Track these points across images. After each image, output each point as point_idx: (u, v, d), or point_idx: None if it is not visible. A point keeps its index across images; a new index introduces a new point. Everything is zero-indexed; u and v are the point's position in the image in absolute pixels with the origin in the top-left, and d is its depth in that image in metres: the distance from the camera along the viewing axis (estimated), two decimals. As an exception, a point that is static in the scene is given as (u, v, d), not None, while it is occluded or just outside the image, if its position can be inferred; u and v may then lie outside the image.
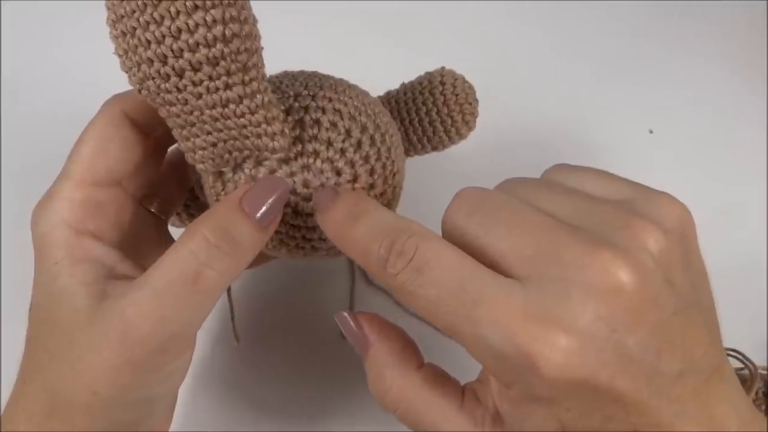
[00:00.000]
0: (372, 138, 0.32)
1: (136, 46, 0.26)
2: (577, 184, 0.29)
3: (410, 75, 0.40)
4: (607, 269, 0.23)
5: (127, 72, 0.27)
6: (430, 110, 0.38)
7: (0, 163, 0.54)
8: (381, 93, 0.40)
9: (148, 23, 0.25)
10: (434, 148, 0.40)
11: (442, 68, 0.39)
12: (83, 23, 0.53)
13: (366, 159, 0.32)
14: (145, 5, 0.25)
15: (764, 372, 0.45)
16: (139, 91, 0.27)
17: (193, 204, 0.40)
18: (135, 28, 0.25)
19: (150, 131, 0.33)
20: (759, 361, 0.43)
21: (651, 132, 0.59)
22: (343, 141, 0.31)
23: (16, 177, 0.53)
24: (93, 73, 0.48)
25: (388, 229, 0.27)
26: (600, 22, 0.64)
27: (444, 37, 0.62)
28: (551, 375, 0.23)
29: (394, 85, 0.40)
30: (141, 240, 0.33)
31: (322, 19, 0.61)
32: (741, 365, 0.42)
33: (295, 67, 0.35)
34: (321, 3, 0.62)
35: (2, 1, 0.59)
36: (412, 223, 0.27)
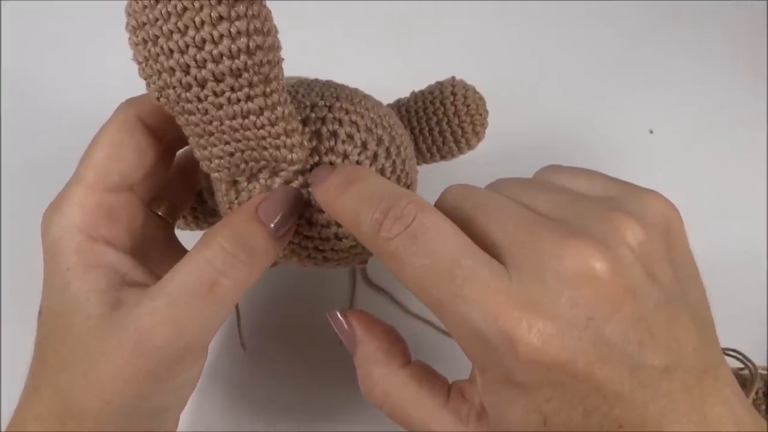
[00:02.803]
0: (387, 151, 0.32)
1: (158, 55, 0.26)
2: (564, 182, 0.29)
3: (420, 80, 0.40)
4: (581, 257, 0.24)
5: (146, 79, 0.27)
6: (440, 120, 0.38)
7: (0, 163, 0.53)
8: (391, 100, 0.40)
9: (171, 32, 0.25)
10: (443, 158, 0.40)
11: (453, 78, 0.39)
12: (83, 23, 0.53)
13: (381, 172, 0.32)
14: (170, 14, 0.25)
15: (764, 372, 0.45)
16: (158, 99, 0.27)
17: (200, 207, 0.39)
18: (157, 37, 0.25)
19: (162, 135, 0.32)
20: (759, 361, 0.43)
21: (651, 132, 0.59)
22: (359, 154, 0.31)
23: (16, 177, 0.53)
24: (94, 73, 0.48)
25: (386, 194, 0.27)
26: (600, 23, 0.64)
27: (446, 41, 0.62)
28: (528, 357, 0.23)
29: (404, 92, 0.40)
30: (149, 244, 0.33)
31: (332, 26, 0.61)
32: (741, 365, 0.42)
33: (305, 73, 0.35)
34: (330, 8, 0.61)
35: (2, 1, 0.58)
36: (411, 192, 0.27)
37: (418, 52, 0.60)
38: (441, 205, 0.29)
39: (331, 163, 0.30)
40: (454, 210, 0.28)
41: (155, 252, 0.34)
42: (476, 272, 0.24)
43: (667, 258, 0.26)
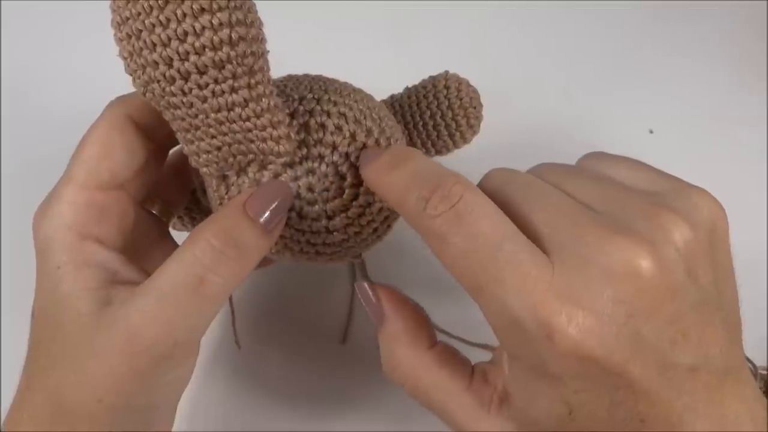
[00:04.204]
0: (377, 142, 0.32)
1: (141, 49, 0.26)
2: (610, 171, 0.29)
3: (413, 78, 0.40)
4: (627, 254, 0.23)
5: (131, 74, 0.27)
6: (434, 114, 0.38)
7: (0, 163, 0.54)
8: (385, 96, 0.39)
9: (153, 26, 0.25)
10: (438, 152, 0.40)
11: (446, 72, 0.38)
12: (83, 23, 0.53)
13: None
14: (151, 8, 0.25)
15: (764, 372, 0.45)
16: (144, 94, 0.27)
17: (195, 207, 0.39)
18: (140, 31, 0.25)
19: (153, 133, 0.32)
20: (759, 361, 0.43)
21: (651, 132, 0.59)
22: (348, 145, 0.31)
23: (16, 178, 0.53)
24: (93, 73, 0.48)
25: (433, 173, 0.27)
26: (600, 23, 0.64)
27: (445, 39, 0.62)
28: (565, 349, 0.23)
29: (398, 88, 0.40)
30: (143, 243, 0.33)
31: (325, 23, 0.61)
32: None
33: (298, 71, 0.35)
34: (323, 6, 0.61)
35: (2, 1, 0.59)
36: (459, 174, 0.27)
37: (414, 50, 0.59)
38: (483, 188, 0.28)
39: (319, 155, 0.30)
40: (497, 193, 0.28)
41: (149, 250, 0.34)
42: (518, 258, 0.24)
43: (709, 259, 0.25)
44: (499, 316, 0.25)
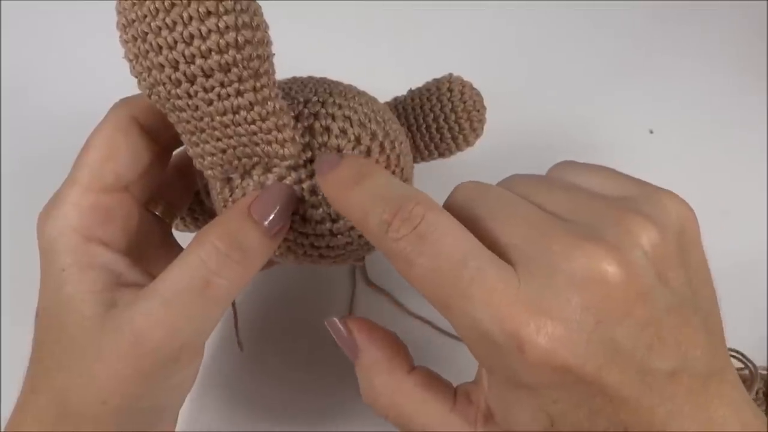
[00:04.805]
0: (381, 145, 0.32)
1: (147, 51, 0.26)
2: (579, 180, 0.29)
3: (417, 80, 0.40)
4: (592, 260, 0.23)
5: (137, 77, 0.27)
6: (437, 117, 0.38)
7: (0, 163, 0.53)
8: (388, 99, 0.39)
9: (160, 28, 0.25)
10: (441, 155, 0.40)
11: (450, 75, 0.38)
12: (83, 23, 0.53)
13: None
14: (158, 10, 0.25)
15: (764, 372, 0.45)
16: (149, 96, 0.27)
17: (198, 208, 0.39)
18: (146, 33, 0.25)
19: (157, 135, 0.32)
20: (759, 361, 0.43)
21: (651, 132, 0.59)
22: (353, 149, 0.31)
23: (16, 178, 0.53)
24: (93, 73, 0.48)
25: (393, 194, 0.26)
26: (600, 23, 0.64)
27: (446, 40, 0.62)
28: (536, 360, 0.23)
29: (401, 90, 0.40)
30: (146, 245, 0.33)
31: (329, 24, 0.61)
32: (741, 365, 0.42)
33: (302, 72, 0.35)
34: (328, 8, 0.61)
35: (2, 1, 0.58)
36: (420, 192, 0.27)
37: (417, 52, 0.59)
38: (451, 202, 0.29)
39: None
40: (464, 208, 0.27)
41: (152, 252, 0.34)
42: (483, 273, 0.24)
43: (680, 261, 0.25)
44: (470, 331, 0.25)
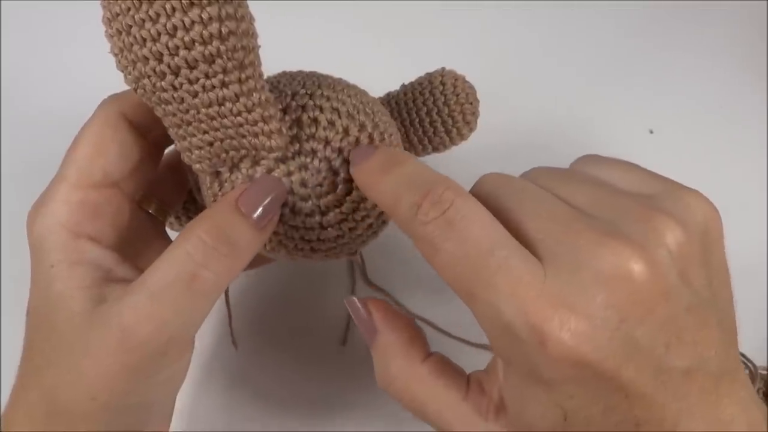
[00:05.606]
0: (371, 137, 0.31)
1: (132, 44, 0.26)
2: (603, 174, 0.29)
3: (410, 76, 0.40)
4: (618, 258, 0.23)
5: (122, 71, 0.27)
6: (430, 110, 0.38)
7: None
8: (381, 94, 0.39)
9: (143, 21, 0.25)
10: (435, 149, 0.40)
11: (443, 69, 0.38)
12: (83, 23, 0.53)
13: None
14: (141, 2, 0.25)
15: (764, 372, 0.45)
16: (135, 90, 0.27)
17: (192, 206, 0.39)
18: (130, 26, 0.25)
19: (147, 132, 0.32)
20: (759, 361, 0.43)
21: (651, 132, 0.59)
22: (341, 140, 0.30)
23: (15, 178, 0.53)
24: (92, 73, 0.48)
25: (424, 179, 0.27)
26: (600, 22, 0.64)
27: (444, 38, 0.62)
28: (558, 354, 0.23)
29: (394, 86, 0.40)
30: (139, 242, 0.33)
31: (321, 20, 0.61)
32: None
33: (293, 67, 0.35)
34: (322, 5, 0.61)
35: (2, 1, 0.59)
36: (450, 179, 0.27)
37: (410, 47, 0.59)
38: (477, 191, 0.28)
39: (312, 150, 0.30)
40: (490, 199, 0.27)
41: (146, 249, 0.34)
42: (510, 263, 0.24)
43: (702, 261, 0.25)
44: (492, 322, 0.25)
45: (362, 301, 0.31)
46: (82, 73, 0.54)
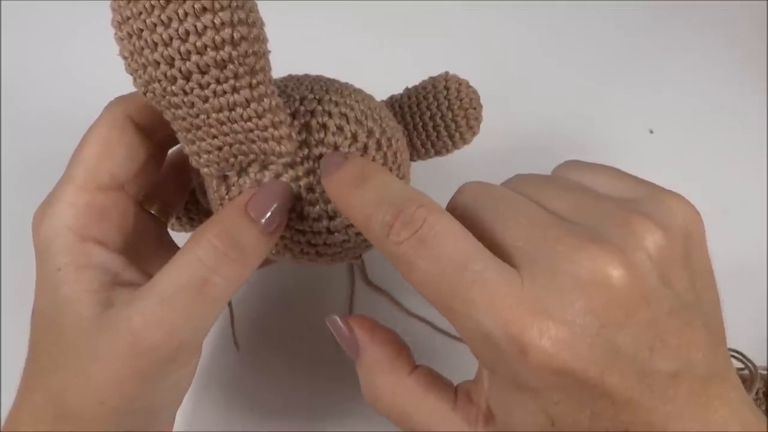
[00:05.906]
0: (378, 143, 0.31)
1: (143, 48, 0.25)
2: (584, 180, 0.29)
3: (410, 76, 0.40)
4: (597, 263, 0.23)
5: (132, 74, 0.27)
6: (434, 115, 0.38)
7: (0, 163, 0.53)
8: (381, 94, 0.39)
9: (155, 25, 0.25)
10: (438, 153, 0.40)
11: (446, 73, 0.38)
12: (83, 23, 0.53)
13: None
14: (153, 7, 0.25)
15: (764, 372, 0.45)
16: (145, 94, 0.27)
17: (194, 207, 0.39)
18: (141, 30, 0.25)
19: (153, 133, 0.32)
20: (759, 361, 0.43)
21: (651, 132, 0.59)
22: (350, 146, 0.31)
23: (16, 178, 0.53)
24: (93, 73, 0.48)
25: (396, 197, 0.26)
26: (600, 23, 0.64)
27: (444, 38, 0.62)
28: (539, 363, 0.23)
29: (394, 86, 0.40)
30: (141, 243, 0.33)
31: (325, 23, 0.61)
32: (741, 365, 0.42)
33: (298, 71, 0.35)
34: (324, 7, 0.61)
35: (2, 1, 0.58)
36: (422, 194, 0.27)
37: (414, 51, 0.59)
38: (455, 203, 0.28)
39: (321, 155, 0.30)
40: (468, 208, 0.27)
41: (148, 251, 0.34)
42: (486, 276, 0.24)
43: (684, 264, 0.25)
44: (472, 334, 0.24)
45: (344, 319, 0.31)
46: (82, 73, 0.54)
